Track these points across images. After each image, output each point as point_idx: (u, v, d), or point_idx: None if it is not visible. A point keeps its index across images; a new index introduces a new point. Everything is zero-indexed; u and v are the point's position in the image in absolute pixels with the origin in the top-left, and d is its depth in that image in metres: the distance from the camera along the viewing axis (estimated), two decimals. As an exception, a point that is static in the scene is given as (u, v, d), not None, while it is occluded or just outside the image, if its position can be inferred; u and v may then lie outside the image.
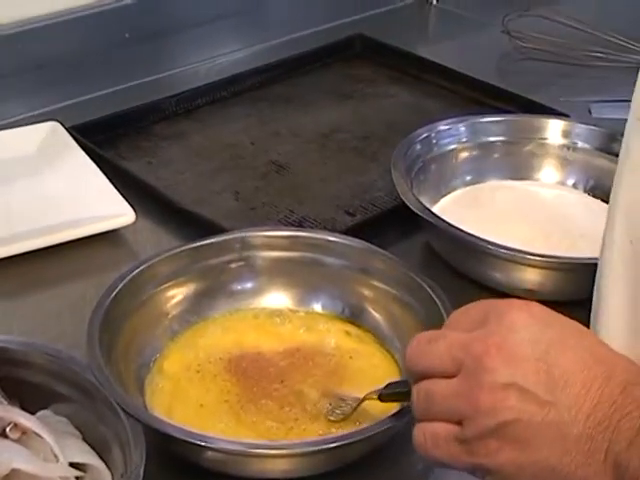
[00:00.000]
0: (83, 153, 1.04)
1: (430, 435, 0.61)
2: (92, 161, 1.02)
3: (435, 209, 0.95)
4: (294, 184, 1.04)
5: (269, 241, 0.86)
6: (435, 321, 0.76)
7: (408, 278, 0.82)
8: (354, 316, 0.84)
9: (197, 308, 0.84)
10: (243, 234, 0.86)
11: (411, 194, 0.91)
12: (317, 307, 0.85)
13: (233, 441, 0.69)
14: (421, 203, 0.90)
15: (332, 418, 0.74)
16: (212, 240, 0.85)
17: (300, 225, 0.95)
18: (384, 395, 0.71)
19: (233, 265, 0.85)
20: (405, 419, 0.68)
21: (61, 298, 0.90)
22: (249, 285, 0.85)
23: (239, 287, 0.86)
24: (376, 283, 0.84)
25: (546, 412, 0.57)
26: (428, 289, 0.79)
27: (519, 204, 0.98)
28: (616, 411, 0.56)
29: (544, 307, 0.61)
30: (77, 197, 0.99)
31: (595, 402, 0.57)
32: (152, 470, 0.65)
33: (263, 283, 0.85)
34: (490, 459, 0.59)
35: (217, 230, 0.91)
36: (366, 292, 0.84)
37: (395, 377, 0.77)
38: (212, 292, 0.85)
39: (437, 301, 0.78)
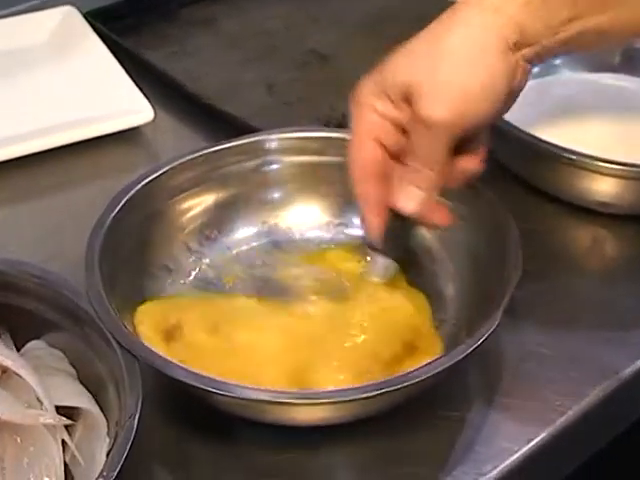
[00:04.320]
0: (100, 42, 0.93)
1: None
2: (110, 51, 0.91)
3: None
4: (336, 77, 0.92)
5: (302, 144, 0.74)
6: (495, 237, 0.65)
7: (464, 188, 0.69)
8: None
9: (217, 222, 0.73)
10: (272, 135, 0.74)
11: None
12: (354, 220, 0.73)
13: (257, 389, 0.57)
14: None
15: None
16: (235, 143, 0.73)
17: (340, 125, 0.83)
18: None
19: (260, 172, 0.74)
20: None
21: (67, 207, 0.79)
22: (277, 195, 0.74)
23: (266, 197, 0.74)
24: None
25: None
26: (487, 202, 0.67)
27: (596, 101, 0.84)
28: None
29: None
30: (90, 92, 0.88)
31: None
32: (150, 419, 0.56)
33: (293, 192, 0.74)
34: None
35: (245, 129, 0.79)
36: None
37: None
38: (234, 203, 0.73)
39: (496, 216, 0.66)
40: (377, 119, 0.62)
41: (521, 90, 0.62)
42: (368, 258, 0.69)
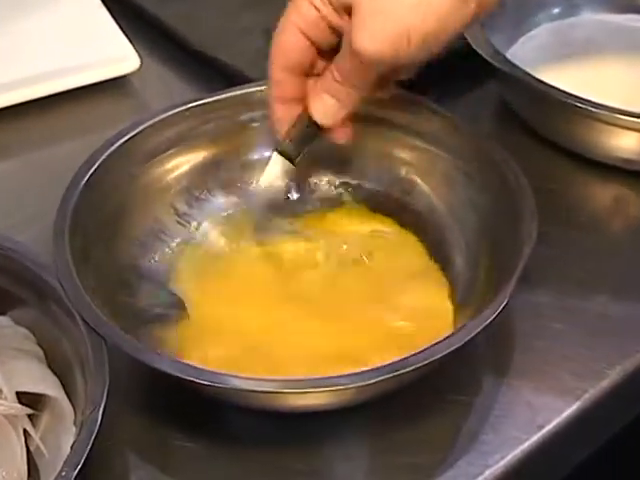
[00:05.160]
0: (86, -17, 0.86)
1: None
2: (96, -7, 0.85)
3: (511, 53, 0.75)
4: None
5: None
6: (505, 202, 0.59)
7: (474, 145, 0.63)
8: (401, 192, 0.66)
9: (207, 181, 0.67)
10: (264, 87, 0.67)
11: (481, 34, 0.72)
12: (354, 181, 0.67)
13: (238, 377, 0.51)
14: (493, 46, 0.70)
15: None
16: (225, 95, 0.67)
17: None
18: None
19: (253, 126, 0.68)
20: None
21: (45, 165, 0.73)
22: (267, 154, 0.67)
23: (261, 153, 0.68)
24: (432, 148, 0.66)
25: None
26: (500, 162, 0.61)
27: (620, 45, 0.77)
28: None
29: None
30: (72, 39, 0.81)
31: None
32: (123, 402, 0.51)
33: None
34: None
35: (239, 79, 0.73)
36: (417, 161, 0.66)
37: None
38: (225, 161, 0.67)
39: (510, 178, 0.60)
40: (312, 14, 0.58)
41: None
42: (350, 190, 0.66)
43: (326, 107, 0.59)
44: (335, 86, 0.58)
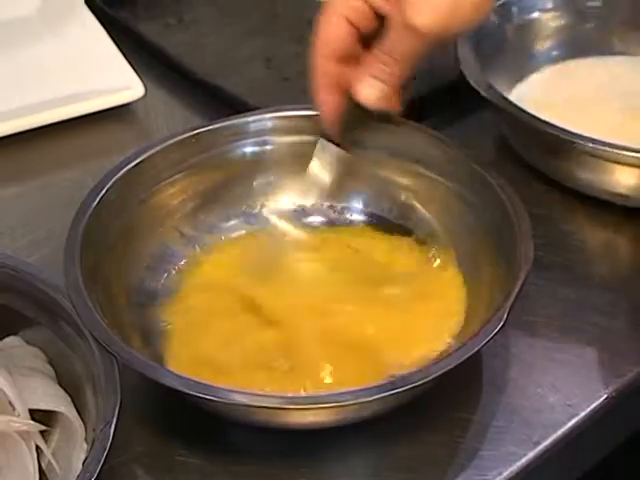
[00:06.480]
0: (90, 14, 0.88)
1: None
2: (101, 23, 0.87)
3: (512, 93, 0.77)
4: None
5: (299, 123, 0.69)
6: (502, 226, 0.61)
7: (471, 171, 0.65)
8: (401, 217, 0.68)
9: (212, 205, 0.68)
10: (268, 115, 0.69)
11: (476, 68, 0.73)
12: (356, 205, 0.69)
13: (244, 392, 0.53)
14: (487, 82, 0.72)
15: None
16: (228, 122, 0.69)
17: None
18: None
19: (256, 152, 0.69)
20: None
21: (52, 190, 0.75)
22: (274, 177, 0.69)
23: (264, 179, 0.70)
24: (431, 174, 0.67)
25: None
26: (496, 187, 0.63)
27: (618, 87, 0.78)
28: None
29: None
30: (78, 67, 0.84)
31: None
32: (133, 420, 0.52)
33: (288, 175, 0.69)
34: None
35: (241, 106, 0.76)
36: (417, 186, 0.68)
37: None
38: (230, 186, 0.69)
39: (506, 202, 0.62)
40: (359, 2, 0.60)
41: None
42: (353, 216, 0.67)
43: (371, 87, 0.60)
44: (381, 68, 0.60)
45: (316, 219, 0.69)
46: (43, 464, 0.53)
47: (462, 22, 0.58)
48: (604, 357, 0.62)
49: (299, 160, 0.68)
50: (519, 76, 0.80)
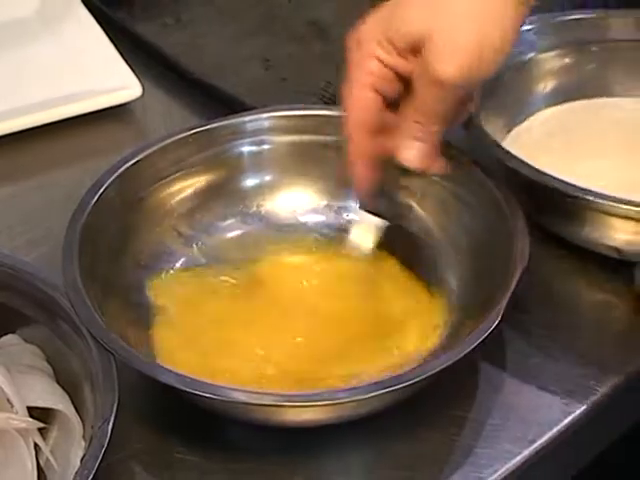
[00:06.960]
0: (88, 14, 0.88)
1: None
2: (98, 23, 0.87)
3: (510, 136, 0.74)
4: (335, 51, 0.87)
5: (297, 122, 0.70)
6: (498, 224, 0.62)
7: (467, 170, 0.65)
8: (397, 218, 0.68)
9: (209, 205, 0.69)
10: (265, 114, 0.70)
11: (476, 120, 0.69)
12: (353, 204, 0.69)
13: (243, 390, 0.53)
14: (487, 134, 0.68)
15: None
16: (226, 122, 0.69)
17: (334, 102, 0.79)
18: None
19: (254, 152, 0.70)
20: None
21: (49, 190, 0.75)
22: (271, 177, 0.70)
23: (261, 178, 0.70)
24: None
25: None
26: (492, 186, 0.63)
27: (620, 131, 0.75)
28: None
29: None
30: (75, 67, 0.84)
31: None
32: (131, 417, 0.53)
33: (286, 175, 0.70)
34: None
35: (238, 106, 0.76)
36: (413, 186, 0.68)
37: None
38: (227, 185, 0.69)
39: (502, 201, 0.62)
40: (378, 67, 0.59)
41: None
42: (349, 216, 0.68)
43: (412, 149, 0.60)
44: (418, 128, 0.59)
45: (313, 218, 0.70)
46: (41, 461, 0.54)
47: (486, 66, 0.57)
48: (599, 355, 0.62)
49: (296, 160, 0.69)
50: (517, 118, 0.76)
